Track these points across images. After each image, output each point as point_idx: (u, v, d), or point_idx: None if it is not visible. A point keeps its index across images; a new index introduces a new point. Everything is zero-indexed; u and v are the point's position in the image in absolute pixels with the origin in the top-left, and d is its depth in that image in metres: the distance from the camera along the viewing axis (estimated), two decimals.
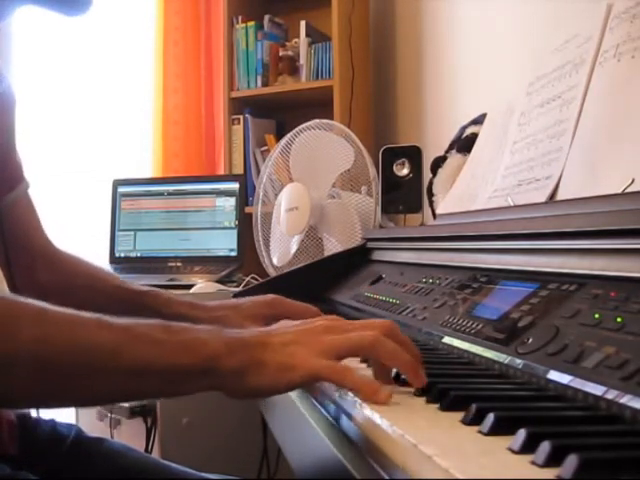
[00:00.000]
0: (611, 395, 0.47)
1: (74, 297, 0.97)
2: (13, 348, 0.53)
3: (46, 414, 0.98)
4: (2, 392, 0.54)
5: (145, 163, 2.76)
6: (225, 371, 0.57)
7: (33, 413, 0.97)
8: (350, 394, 0.56)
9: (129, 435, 1.81)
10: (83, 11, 0.82)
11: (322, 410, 0.60)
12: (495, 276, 0.80)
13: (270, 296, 0.92)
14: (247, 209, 2.10)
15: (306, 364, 0.58)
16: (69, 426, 0.99)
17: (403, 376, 0.60)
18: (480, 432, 0.44)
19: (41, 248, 0.99)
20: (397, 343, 0.59)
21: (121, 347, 0.56)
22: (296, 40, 2.44)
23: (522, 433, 0.41)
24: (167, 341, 0.58)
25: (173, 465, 0.97)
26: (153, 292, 0.96)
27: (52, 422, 0.98)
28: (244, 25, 2.50)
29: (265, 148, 2.48)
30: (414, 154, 1.49)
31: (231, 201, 2.13)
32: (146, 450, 1.76)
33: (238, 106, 2.51)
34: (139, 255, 2.23)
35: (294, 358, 0.58)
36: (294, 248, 1.67)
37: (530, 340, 0.61)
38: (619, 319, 0.53)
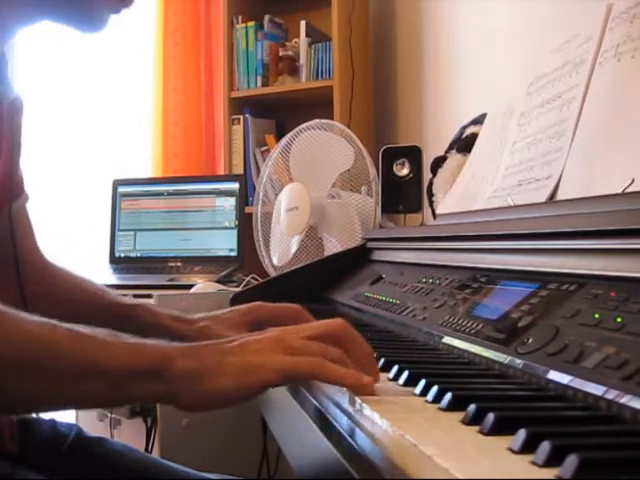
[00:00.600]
0: (611, 395, 0.47)
1: (65, 309, 0.97)
2: None
3: (46, 414, 0.98)
4: None
5: (145, 163, 2.76)
6: (178, 375, 0.54)
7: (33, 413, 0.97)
8: (350, 393, 0.56)
9: (129, 435, 1.81)
10: (99, 29, 0.82)
11: (322, 410, 0.60)
12: (495, 276, 0.80)
13: (249, 304, 0.91)
14: (247, 209, 2.10)
15: (274, 362, 0.55)
16: (69, 426, 0.99)
17: (402, 379, 0.60)
18: (480, 432, 0.44)
19: (34, 262, 0.99)
20: (348, 343, 0.58)
21: (65, 346, 0.54)
22: (296, 40, 2.44)
23: (522, 433, 0.41)
24: (115, 343, 0.56)
25: (173, 465, 0.97)
26: (141, 305, 0.95)
27: (52, 422, 0.98)
28: (244, 25, 2.50)
29: (265, 148, 2.49)
30: (414, 154, 1.49)
31: (231, 201, 2.13)
32: (146, 450, 1.76)
33: (238, 106, 2.51)
34: (139, 255, 2.23)
35: (256, 356, 0.55)
36: (294, 248, 1.67)
37: (530, 340, 0.61)
38: (619, 319, 0.53)
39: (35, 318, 0.55)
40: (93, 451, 0.95)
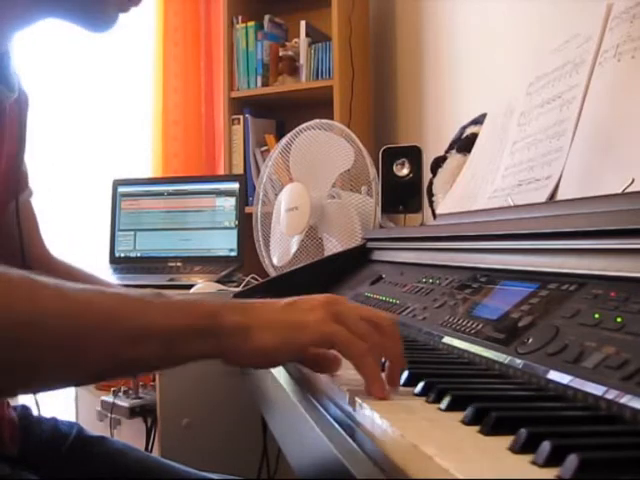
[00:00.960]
0: (611, 395, 0.47)
1: None
2: (8, 314, 0.50)
3: (47, 412, 0.99)
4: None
5: (145, 163, 2.76)
6: (226, 328, 0.54)
7: (34, 411, 0.97)
8: (350, 394, 0.56)
9: (129, 435, 1.81)
10: (107, 29, 0.82)
11: (322, 410, 0.60)
12: (495, 276, 0.80)
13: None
14: (247, 209, 2.10)
15: (319, 323, 0.55)
16: (70, 425, 0.99)
17: (403, 377, 0.60)
18: (480, 432, 0.44)
19: (39, 256, 0.99)
20: (390, 341, 0.58)
21: (115, 311, 0.54)
22: (296, 40, 2.44)
23: (522, 433, 0.41)
24: (162, 303, 0.56)
25: (174, 464, 0.97)
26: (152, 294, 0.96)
27: (53, 420, 0.98)
28: (244, 25, 2.50)
29: (265, 148, 2.49)
30: (414, 154, 1.48)
31: (231, 201, 2.13)
32: (146, 450, 1.76)
33: (238, 106, 2.51)
34: (139, 255, 2.23)
35: (306, 315, 0.55)
36: (294, 248, 1.67)
37: (530, 340, 0.61)
38: (619, 319, 0.53)
39: (80, 285, 0.55)
40: (94, 450, 0.95)
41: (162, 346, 0.54)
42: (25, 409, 0.97)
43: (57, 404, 2.34)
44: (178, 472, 0.95)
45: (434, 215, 1.36)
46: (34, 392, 0.66)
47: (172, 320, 0.55)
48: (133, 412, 1.78)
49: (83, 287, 0.55)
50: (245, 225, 2.04)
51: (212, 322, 0.55)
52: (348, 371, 0.67)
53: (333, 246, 1.58)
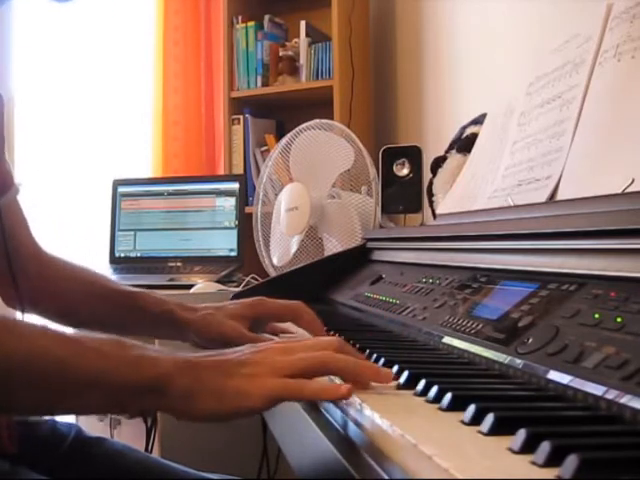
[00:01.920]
0: (611, 395, 0.47)
1: (65, 300, 0.98)
2: None
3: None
4: None
5: (145, 163, 2.76)
6: (173, 393, 0.56)
7: None
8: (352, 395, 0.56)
9: (129, 435, 1.81)
10: None
11: (322, 410, 0.60)
12: (495, 276, 0.80)
13: (253, 298, 0.93)
14: (247, 209, 2.10)
15: (262, 388, 0.56)
16: (69, 425, 0.99)
17: (402, 379, 0.60)
18: (480, 432, 0.44)
19: (31, 254, 0.99)
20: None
21: (68, 359, 0.56)
22: (296, 40, 2.44)
23: (522, 433, 0.41)
24: (115, 356, 0.57)
25: (174, 465, 0.97)
26: (143, 293, 0.96)
27: (52, 421, 0.98)
28: (244, 25, 2.50)
29: (265, 148, 2.49)
30: (414, 154, 1.49)
31: (231, 201, 2.13)
32: (146, 450, 1.76)
33: (238, 106, 2.51)
34: (139, 255, 2.23)
35: (250, 382, 0.57)
36: (294, 248, 1.67)
37: (530, 340, 0.61)
38: (619, 319, 0.53)
39: (39, 328, 0.58)
40: (93, 451, 0.95)
41: (108, 398, 0.56)
42: None
43: None
44: (178, 473, 0.95)
45: (434, 215, 1.36)
46: None
47: (120, 375, 0.56)
48: None
49: (44, 330, 0.58)
50: (245, 225, 2.04)
51: (161, 383, 0.56)
52: None
53: (333, 246, 1.58)
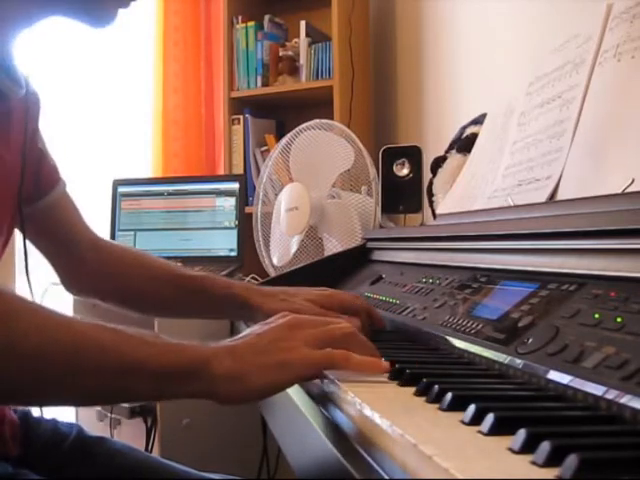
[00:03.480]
0: (611, 395, 0.47)
1: (129, 285, 1.00)
2: (9, 341, 0.54)
3: (47, 413, 0.99)
4: None
5: (145, 163, 2.76)
6: (216, 375, 0.58)
7: (35, 412, 0.97)
8: (350, 393, 0.56)
9: (129, 435, 1.81)
10: (108, 24, 0.83)
11: (322, 410, 0.60)
12: (495, 276, 0.80)
13: (328, 290, 0.94)
14: (247, 209, 2.10)
15: (304, 358, 0.59)
16: (70, 425, 0.99)
17: (403, 377, 0.60)
18: (480, 432, 0.44)
19: (88, 241, 1.02)
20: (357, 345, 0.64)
21: (110, 345, 0.57)
22: (296, 40, 2.44)
23: (522, 433, 0.41)
24: (156, 343, 0.59)
25: (174, 464, 0.97)
26: (210, 277, 0.98)
27: (54, 421, 0.98)
28: (244, 25, 2.50)
29: (265, 148, 2.48)
30: (414, 154, 1.48)
31: (231, 201, 2.13)
32: (146, 450, 1.76)
33: (238, 106, 2.51)
34: None
35: (289, 353, 0.59)
36: (294, 248, 1.67)
37: (530, 340, 0.61)
38: (619, 319, 0.53)
39: (80, 320, 0.59)
40: (94, 450, 0.95)
41: (152, 382, 0.58)
42: (25, 410, 0.97)
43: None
44: (178, 472, 0.95)
45: (434, 215, 1.36)
46: (32, 406, 0.70)
47: (164, 360, 0.58)
48: (133, 412, 1.78)
49: (85, 321, 0.59)
50: (245, 225, 2.04)
51: (200, 367, 0.58)
52: (348, 372, 0.67)
53: (333, 246, 1.58)
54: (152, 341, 0.59)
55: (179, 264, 1.03)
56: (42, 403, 0.61)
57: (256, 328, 0.64)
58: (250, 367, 0.58)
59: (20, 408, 0.95)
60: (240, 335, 0.64)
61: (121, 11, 0.83)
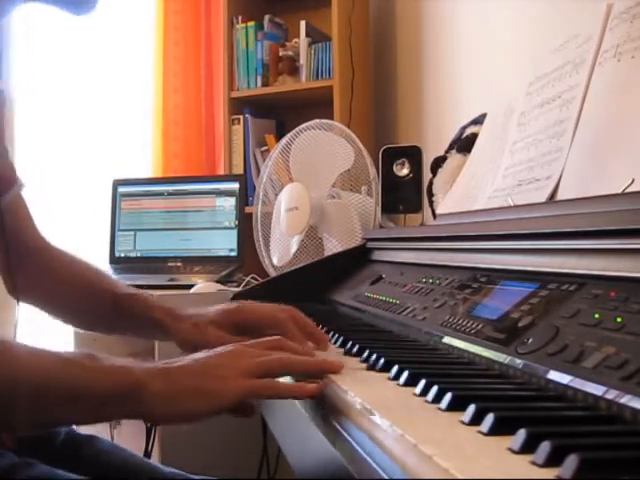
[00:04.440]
0: (611, 395, 0.47)
1: (61, 297, 1.00)
2: None
3: None
4: None
5: (145, 163, 2.76)
6: (150, 397, 0.60)
7: None
8: (350, 393, 0.56)
9: (129, 436, 1.81)
10: (88, 10, 0.83)
11: (322, 410, 0.60)
12: (495, 276, 0.80)
13: (239, 303, 0.94)
14: (247, 209, 2.10)
15: (235, 387, 0.62)
16: None
17: (403, 377, 0.60)
18: (480, 432, 0.44)
19: (33, 247, 1.00)
20: (303, 328, 0.70)
21: (57, 373, 0.60)
22: (296, 40, 2.44)
23: (522, 433, 0.41)
24: (93, 368, 0.61)
25: (161, 466, 0.98)
26: (134, 296, 0.97)
27: None
28: (244, 25, 2.50)
29: (265, 148, 2.48)
30: (414, 154, 1.48)
31: (231, 201, 2.13)
32: (146, 450, 1.76)
33: (238, 106, 2.51)
34: (139, 255, 2.23)
35: (222, 383, 0.62)
36: (294, 248, 1.67)
37: (530, 340, 0.61)
38: (619, 319, 0.53)
39: (29, 347, 0.61)
40: (83, 449, 0.96)
41: (92, 407, 0.61)
42: None
43: None
44: (165, 473, 0.95)
45: (434, 215, 1.36)
46: None
47: (102, 385, 0.60)
48: None
49: (33, 349, 0.61)
50: (245, 225, 2.04)
51: (138, 389, 0.60)
52: (349, 372, 0.67)
53: (333, 246, 1.58)
54: (92, 366, 0.61)
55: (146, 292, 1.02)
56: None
57: (197, 354, 0.67)
58: (180, 391, 0.61)
59: None
60: (178, 358, 0.66)
61: None
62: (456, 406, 0.50)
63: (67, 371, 0.61)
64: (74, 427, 1.00)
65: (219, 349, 0.67)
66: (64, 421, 0.66)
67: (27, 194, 1.01)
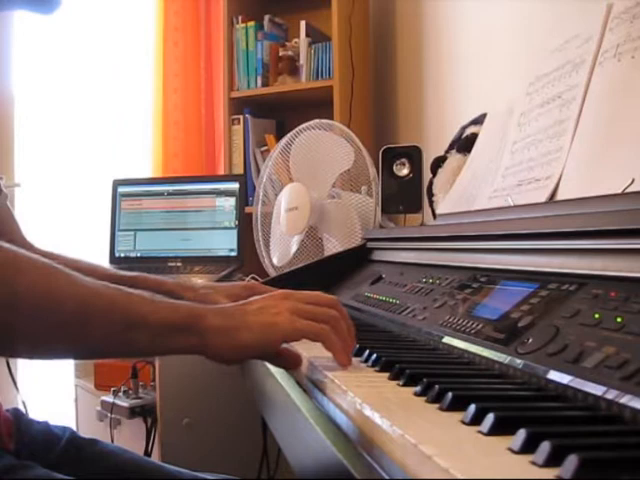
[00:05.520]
0: (611, 395, 0.47)
1: None
2: (15, 292, 0.56)
3: (40, 416, 0.99)
4: (2, 334, 0.57)
5: (145, 163, 2.76)
6: (209, 330, 0.63)
7: (28, 414, 0.97)
8: (350, 393, 0.56)
9: (129, 436, 1.81)
10: (53, 10, 0.84)
11: (322, 410, 0.60)
12: (495, 276, 0.80)
13: (247, 282, 0.98)
14: (247, 209, 2.10)
15: (288, 322, 0.64)
16: (63, 428, 0.99)
17: (403, 377, 0.60)
18: (480, 432, 0.44)
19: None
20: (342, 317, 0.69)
21: (117, 300, 0.61)
22: (296, 40, 2.44)
23: (522, 433, 0.41)
24: (156, 301, 0.64)
25: (167, 465, 0.97)
26: (142, 275, 0.99)
27: (45, 423, 0.99)
28: (244, 25, 2.50)
29: (265, 148, 2.48)
30: (414, 154, 1.49)
31: (231, 201, 2.13)
32: (146, 450, 1.76)
33: (238, 106, 2.51)
34: (139, 255, 2.23)
35: (276, 317, 0.65)
36: (294, 248, 1.67)
37: (530, 340, 0.61)
38: (619, 319, 0.53)
39: (87, 278, 0.62)
40: (86, 452, 0.96)
41: (151, 335, 0.62)
42: (17, 411, 0.97)
43: (58, 404, 2.34)
44: (171, 472, 0.95)
45: (434, 215, 1.36)
46: (36, 358, 0.73)
47: (161, 315, 0.62)
48: (133, 412, 1.77)
49: (90, 278, 0.62)
50: (245, 225, 2.04)
51: (196, 321, 0.63)
52: (349, 372, 0.67)
53: (333, 246, 1.58)
54: (150, 299, 0.63)
55: (154, 275, 1.03)
56: (47, 353, 0.64)
57: (244, 300, 0.69)
58: (239, 324, 0.63)
59: (12, 407, 0.96)
60: (233, 304, 0.69)
61: None
62: (456, 406, 0.50)
63: (126, 298, 0.62)
64: (75, 430, 0.99)
65: (270, 294, 0.70)
66: (124, 348, 0.66)
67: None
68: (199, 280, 1.85)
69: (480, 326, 0.71)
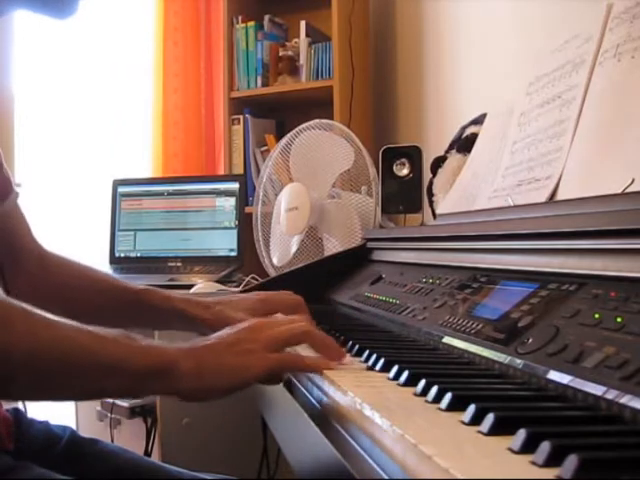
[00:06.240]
0: (611, 395, 0.47)
1: (70, 297, 0.99)
2: (6, 346, 0.57)
3: (40, 415, 0.99)
4: None
5: (145, 163, 2.76)
6: (181, 375, 0.63)
7: (27, 413, 0.97)
8: (350, 394, 0.56)
9: (129, 435, 1.81)
10: (70, 14, 0.83)
11: (322, 410, 0.60)
12: (495, 276, 0.80)
13: (262, 293, 0.98)
14: (247, 209, 2.10)
15: (260, 363, 0.65)
16: (63, 428, 0.99)
17: (402, 379, 0.60)
18: (480, 432, 0.44)
19: (34, 253, 1.01)
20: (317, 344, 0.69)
21: (95, 346, 0.62)
22: (296, 40, 2.44)
23: (522, 433, 0.41)
24: (128, 345, 0.63)
25: (167, 466, 0.97)
26: (150, 290, 0.97)
27: (46, 423, 0.98)
28: (244, 25, 2.50)
29: (265, 148, 2.48)
30: (414, 154, 1.49)
31: (231, 201, 2.13)
32: (146, 450, 1.76)
33: (238, 106, 2.51)
34: (139, 255, 2.23)
35: (249, 356, 0.65)
36: (294, 248, 1.67)
37: (530, 340, 0.61)
38: (619, 319, 0.53)
39: (61, 320, 0.62)
40: (86, 452, 0.95)
41: (126, 382, 0.63)
42: (17, 411, 0.97)
43: (58, 404, 2.34)
44: (171, 472, 0.95)
45: (434, 215, 1.36)
46: (25, 401, 0.74)
47: (134, 361, 0.62)
48: (133, 412, 1.77)
49: (65, 321, 0.63)
50: (245, 225, 2.04)
51: (168, 367, 0.63)
52: (349, 372, 0.67)
53: (333, 246, 1.58)
54: (124, 342, 0.63)
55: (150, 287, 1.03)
56: (35, 400, 0.66)
57: (221, 332, 0.69)
58: (210, 366, 0.64)
59: (12, 407, 0.96)
60: (204, 338, 0.69)
61: (83, 2, 0.83)
62: (456, 406, 0.50)
63: (102, 345, 0.62)
64: (76, 430, 0.99)
65: (240, 325, 0.69)
66: (102, 393, 0.68)
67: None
68: (199, 280, 1.85)
69: (480, 326, 0.71)
